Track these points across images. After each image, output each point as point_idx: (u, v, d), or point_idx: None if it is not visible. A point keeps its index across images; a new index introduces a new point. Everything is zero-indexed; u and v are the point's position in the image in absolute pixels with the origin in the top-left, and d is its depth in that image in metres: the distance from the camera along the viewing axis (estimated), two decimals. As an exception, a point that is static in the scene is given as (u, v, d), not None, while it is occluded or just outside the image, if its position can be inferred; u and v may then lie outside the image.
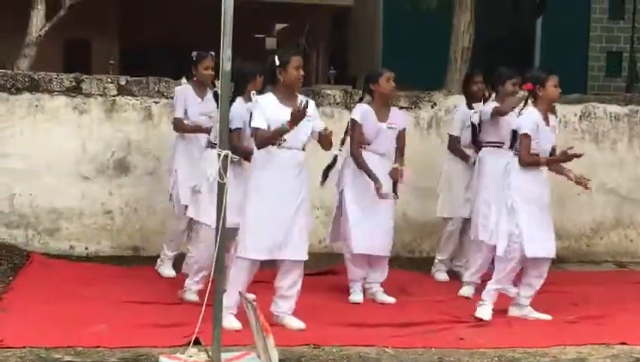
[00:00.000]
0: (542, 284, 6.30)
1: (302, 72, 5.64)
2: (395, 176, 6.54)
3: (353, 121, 6.62)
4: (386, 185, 6.56)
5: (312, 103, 5.75)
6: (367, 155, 6.57)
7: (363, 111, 6.61)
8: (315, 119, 5.75)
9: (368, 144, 6.58)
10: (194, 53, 7.02)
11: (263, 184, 5.57)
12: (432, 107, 8.57)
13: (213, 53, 6.62)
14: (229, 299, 5.55)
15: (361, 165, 6.53)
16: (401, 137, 6.70)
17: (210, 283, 4.82)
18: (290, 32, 22.78)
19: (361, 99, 6.85)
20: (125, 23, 19.68)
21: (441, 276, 7.51)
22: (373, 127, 6.58)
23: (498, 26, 13.54)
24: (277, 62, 5.61)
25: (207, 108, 6.88)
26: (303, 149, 5.68)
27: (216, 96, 6.48)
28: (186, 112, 7.01)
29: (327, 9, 20.00)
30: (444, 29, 10.08)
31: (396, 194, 6.65)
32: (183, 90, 7.09)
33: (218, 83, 6.57)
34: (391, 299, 6.67)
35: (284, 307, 5.76)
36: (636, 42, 18.24)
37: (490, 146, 7.08)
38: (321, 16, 20.52)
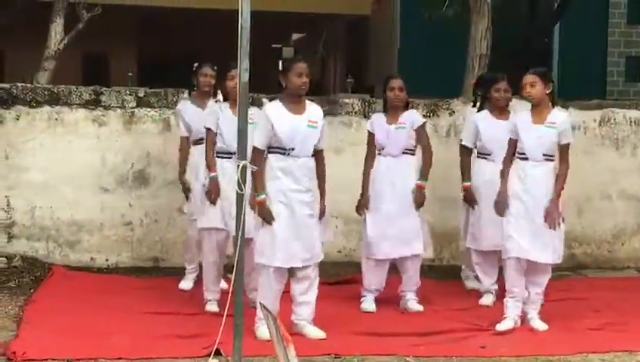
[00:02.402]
0: (542, 292, 6.19)
1: (305, 79, 5.60)
2: (417, 199, 6.62)
3: (368, 131, 6.77)
4: (403, 185, 6.61)
5: (318, 109, 5.80)
6: (382, 159, 6.62)
7: (373, 120, 6.75)
8: (322, 133, 5.77)
9: (382, 148, 6.63)
10: (195, 64, 7.12)
11: (276, 192, 5.57)
12: (451, 115, 8.54)
13: (215, 67, 6.86)
14: (259, 310, 5.55)
15: (363, 176, 6.64)
16: (419, 136, 6.69)
17: (230, 294, 4.82)
18: (307, 41, 22.81)
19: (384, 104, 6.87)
20: (144, 36, 19.78)
21: (471, 283, 7.47)
22: (382, 131, 6.65)
23: (516, 32, 13.50)
24: (280, 69, 5.63)
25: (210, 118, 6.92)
26: (313, 156, 5.71)
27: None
28: (190, 128, 7.05)
29: (344, 18, 20.02)
30: (461, 37, 10.07)
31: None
32: (182, 106, 7.19)
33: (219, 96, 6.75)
34: (420, 307, 6.68)
35: (303, 314, 5.76)
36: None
37: (479, 157, 7.07)
38: (338, 25, 20.55)
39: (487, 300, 6.91)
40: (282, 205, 5.57)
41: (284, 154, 5.58)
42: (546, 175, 6.10)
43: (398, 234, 6.59)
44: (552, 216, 6.01)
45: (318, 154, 5.76)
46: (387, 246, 6.58)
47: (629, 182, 8.91)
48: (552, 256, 6.11)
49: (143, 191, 8.15)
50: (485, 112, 7.06)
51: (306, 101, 5.74)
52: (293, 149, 5.58)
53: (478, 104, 7.27)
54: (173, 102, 8.16)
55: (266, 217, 5.51)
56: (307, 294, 5.74)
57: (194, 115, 7.00)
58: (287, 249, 5.56)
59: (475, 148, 7.11)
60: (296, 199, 5.58)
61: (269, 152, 5.62)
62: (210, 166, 6.27)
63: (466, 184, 7.01)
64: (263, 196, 5.49)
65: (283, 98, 5.68)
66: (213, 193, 6.18)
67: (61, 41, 9.42)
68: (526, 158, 6.10)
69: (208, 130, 6.33)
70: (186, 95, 7.35)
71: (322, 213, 5.78)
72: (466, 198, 7.04)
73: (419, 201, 6.64)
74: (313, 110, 5.74)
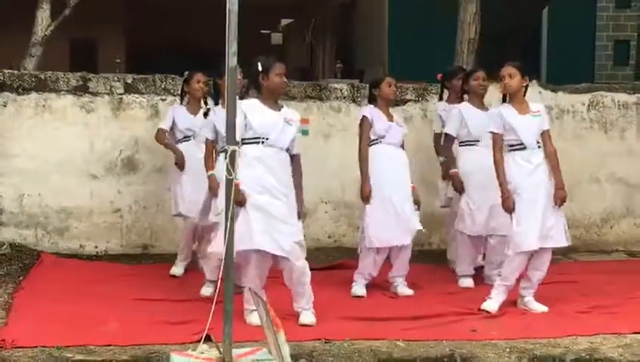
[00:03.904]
0: (544, 276, 6.25)
1: (285, 80, 5.70)
2: (417, 199, 6.74)
3: (364, 117, 6.74)
4: (404, 174, 6.68)
5: (295, 112, 5.86)
6: (383, 147, 6.68)
7: (371, 110, 6.77)
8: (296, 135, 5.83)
9: (382, 137, 6.68)
10: (186, 73, 7.25)
11: (251, 181, 5.55)
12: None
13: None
14: (246, 296, 5.58)
15: (361, 163, 6.67)
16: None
17: (219, 280, 4.82)
18: (295, 27, 22.73)
19: (370, 101, 6.88)
20: (132, 22, 19.67)
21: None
22: (384, 124, 6.71)
23: (505, 16, 13.48)
24: (260, 68, 5.62)
25: (198, 123, 6.94)
26: (288, 151, 5.71)
27: (205, 115, 6.70)
28: (174, 126, 7.18)
29: (333, 3, 19.95)
30: (450, 21, 10.06)
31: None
32: (175, 107, 7.30)
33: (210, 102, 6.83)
34: (410, 292, 6.71)
35: (300, 302, 5.77)
36: (644, 30, 18.12)
37: (465, 145, 7.10)
38: (327, 10, 20.48)
39: (465, 283, 6.97)
40: (258, 194, 5.55)
41: (258, 143, 5.59)
42: (544, 161, 6.20)
43: (399, 222, 6.62)
44: (563, 200, 6.17)
45: (295, 159, 5.77)
46: (390, 234, 6.61)
47: (618, 166, 8.94)
48: (564, 238, 6.23)
49: (132, 178, 8.13)
50: (465, 103, 7.12)
51: (283, 104, 5.83)
52: (267, 139, 5.61)
53: (445, 96, 7.63)
54: (161, 88, 8.14)
55: (240, 199, 5.46)
56: (299, 285, 5.73)
57: (185, 119, 7.13)
58: (265, 232, 5.53)
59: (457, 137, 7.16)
60: (271, 187, 5.57)
61: (244, 143, 5.58)
62: (207, 167, 6.32)
63: (454, 170, 7.03)
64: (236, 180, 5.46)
65: (260, 96, 5.70)
66: (214, 188, 6.15)
67: (48, 27, 9.35)
68: (523, 148, 6.17)
69: (211, 141, 6.36)
70: (177, 102, 7.40)
71: (299, 216, 5.75)
72: (455, 184, 7.05)
73: (418, 202, 6.75)
74: (290, 111, 5.82)
